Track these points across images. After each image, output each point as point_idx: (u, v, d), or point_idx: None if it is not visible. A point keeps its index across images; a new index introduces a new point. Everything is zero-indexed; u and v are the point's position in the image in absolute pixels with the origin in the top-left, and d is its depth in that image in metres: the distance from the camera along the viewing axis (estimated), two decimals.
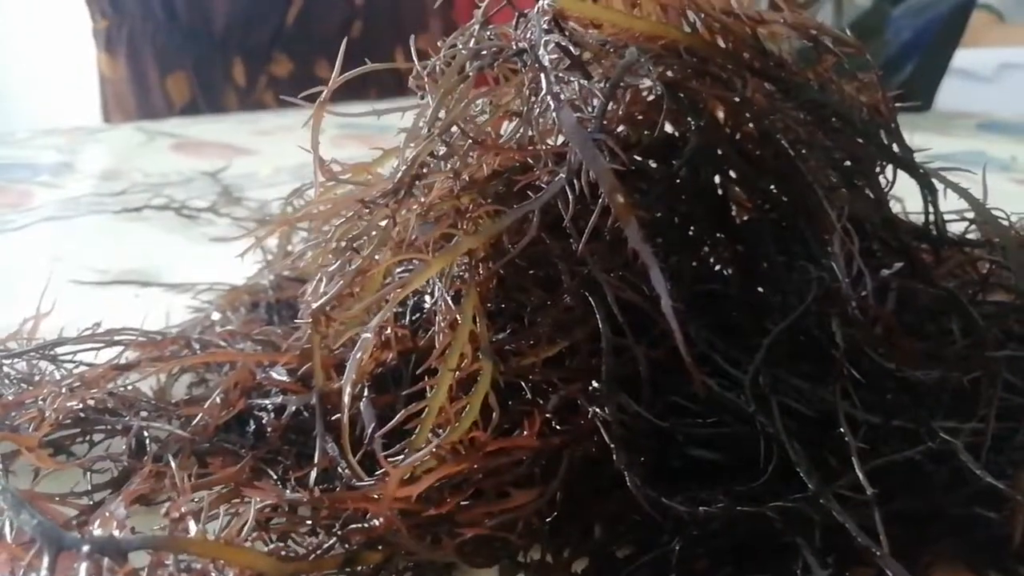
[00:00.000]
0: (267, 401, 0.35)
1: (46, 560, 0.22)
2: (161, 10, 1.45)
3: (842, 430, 0.28)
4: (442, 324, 0.28)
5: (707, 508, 0.26)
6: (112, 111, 1.51)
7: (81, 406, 0.36)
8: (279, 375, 0.36)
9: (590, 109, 0.30)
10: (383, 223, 0.29)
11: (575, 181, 0.28)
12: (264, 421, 0.35)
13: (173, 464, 0.29)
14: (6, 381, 0.38)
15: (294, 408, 0.34)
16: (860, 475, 0.26)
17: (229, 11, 1.49)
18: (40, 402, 0.34)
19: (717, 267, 0.36)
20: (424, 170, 0.29)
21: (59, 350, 0.41)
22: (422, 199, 0.30)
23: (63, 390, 0.35)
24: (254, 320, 0.47)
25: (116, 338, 0.41)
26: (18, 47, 1.79)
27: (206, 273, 0.57)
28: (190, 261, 0.62)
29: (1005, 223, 0.36)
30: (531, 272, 0.33)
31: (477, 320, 0.28)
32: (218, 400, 0.36)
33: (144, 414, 0.37)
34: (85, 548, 0.22)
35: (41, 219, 0.69)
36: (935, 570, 0.29)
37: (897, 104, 0.36)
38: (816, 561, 0.25)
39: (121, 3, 1.45)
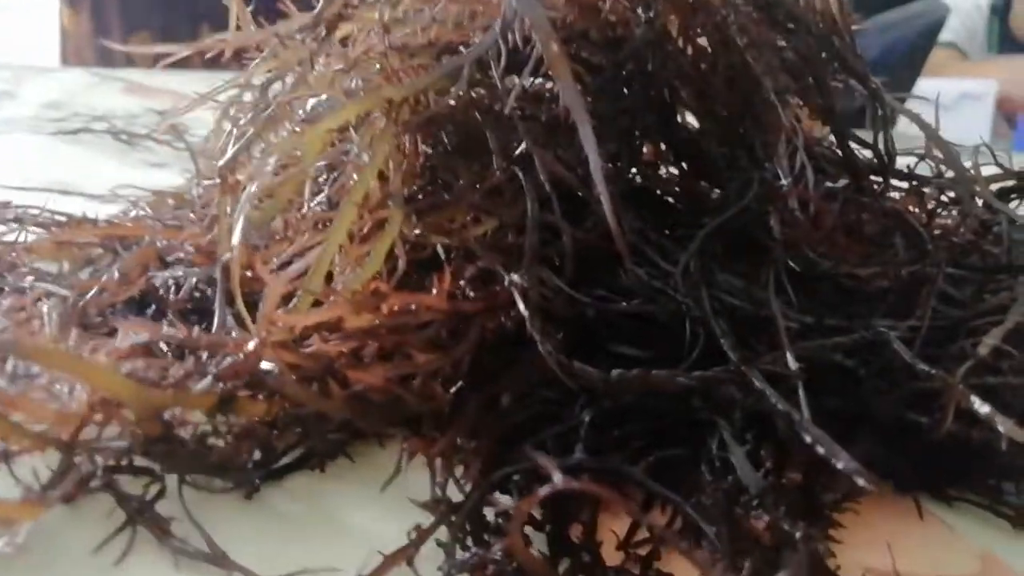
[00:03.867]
0: (167, 274, 0.33)
1: None
2: None
3: (774, 323, 0.27)
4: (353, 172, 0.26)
5: (621, 372, 0.24)
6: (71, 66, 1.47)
7: None
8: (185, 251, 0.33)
9: None
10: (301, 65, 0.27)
11: (508, 34, 0.26)
12: (165, 298, 0.33)
13: (44, 310, 0.26)
14: None
15: (195, 281, 0.32)
16: (788, 355, 0.24)
17: None
18: None
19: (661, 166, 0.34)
20: (348, 10, 0.26)
21: None
22: (347, 54, 0.28)
23: None
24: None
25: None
26: None
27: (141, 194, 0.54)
28: (126, 183, 0.59)
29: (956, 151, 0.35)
30: (465, 156, 0.31)
31: (391, 169, 0.26)
32: (116, 275, 0.33)
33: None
34: None
35: None
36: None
37: None
38: (734, 438, 0.23)
39: None
